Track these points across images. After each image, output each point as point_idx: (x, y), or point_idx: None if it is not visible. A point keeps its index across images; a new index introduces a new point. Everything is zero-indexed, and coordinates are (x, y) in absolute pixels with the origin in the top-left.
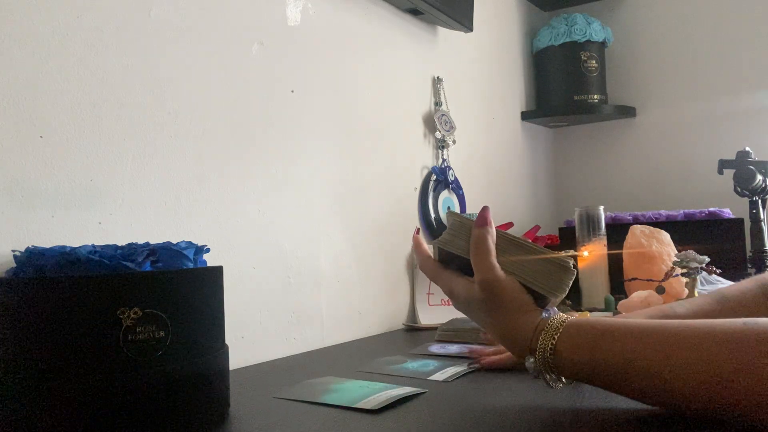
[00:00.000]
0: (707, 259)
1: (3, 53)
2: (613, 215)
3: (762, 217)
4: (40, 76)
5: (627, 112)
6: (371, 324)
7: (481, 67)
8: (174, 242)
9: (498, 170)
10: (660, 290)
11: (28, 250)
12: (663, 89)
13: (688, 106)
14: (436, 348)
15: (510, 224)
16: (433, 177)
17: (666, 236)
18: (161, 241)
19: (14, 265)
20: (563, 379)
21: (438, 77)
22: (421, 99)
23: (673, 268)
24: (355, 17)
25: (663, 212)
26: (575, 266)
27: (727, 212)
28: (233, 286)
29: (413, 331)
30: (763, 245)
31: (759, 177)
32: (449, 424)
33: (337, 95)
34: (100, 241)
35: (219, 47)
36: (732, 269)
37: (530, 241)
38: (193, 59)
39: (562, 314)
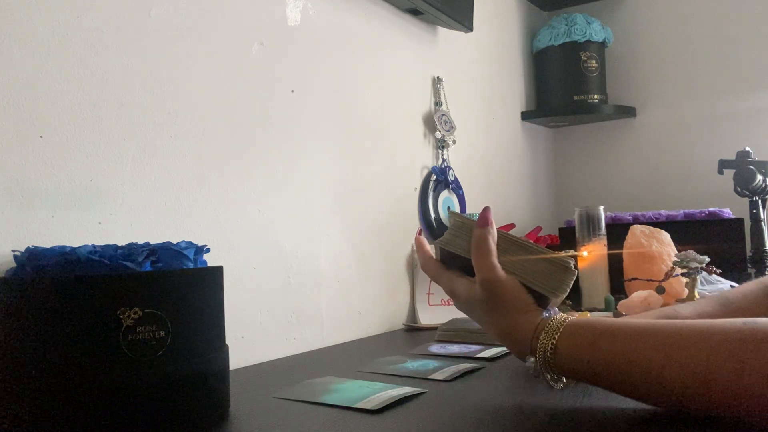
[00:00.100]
0: (707, 259)
1: (3, 53)
2: (613, 215)
3: (762, 217)
4: (40, 76)
5: (627, 112)
6: (371, 324)
7: (481, 67)
8: (174, 242)
9: (498, 170)
10: (660, 290)
11: (28, 250)
12: (663, 89)
13: (688, 106)
14: (436, 348)
15: (512, 225)
16: (433, 177)
17: (666, 236)
18: (161, 241)
19: (14, 265)
20: (564, 379)
21: (438, 77)
22: (421, 99)
23: (673, 268)
24: (355, 17)
25: (663, 212)
26: (576, 266)
27: (727, 212)
28: (233, 286)
29: (413, 331)
30: (763, 245)
31: (759, 177)
32: (449, 424)
33: (337, 95)
34: (100, 241)
35: (219, 47)
36: (732, 269)
37: (531, 241)
38: (193, 59)
39: (562, 314)
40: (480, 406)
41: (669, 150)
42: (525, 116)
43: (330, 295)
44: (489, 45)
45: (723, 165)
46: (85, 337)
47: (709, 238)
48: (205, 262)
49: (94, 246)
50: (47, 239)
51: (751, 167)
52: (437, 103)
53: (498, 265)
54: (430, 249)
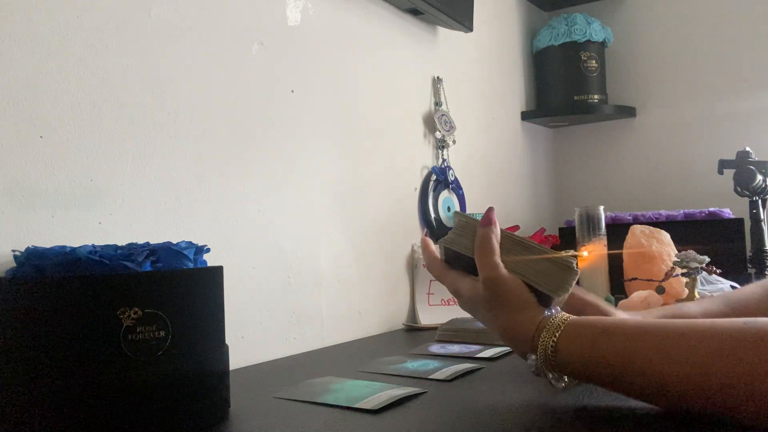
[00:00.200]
0: (707, 259)
1: (3, 53)
2: (613, 215)
3: (762, 217)
4: (40, 76)
5: (627, 112)
6: (371, 324)
7: (481, 67)
8: (174, 242)
9: (498, 170)
10: (660, 290)
11: (28, 250)
12: (663, 89)
13: (688, 106)
14: (436, 348)
15: (516, 227)
16: (433, 177)
17: (666, 236)
18: (161, 241)
19: (14, 265)
20: (565, 378)
21: (438, 77)
22: (421, 99)
23: (673, 268)
24: (355, 17)
25: (663, 212)
26: (577, 266)
27: (727, 212)
28: (233, 286)
29: (413, 331)
30: (763, 245)
31: (759, 177)
32: (449, 424)
33: (337, 95)
34: (100, 241)
35: (219, 47)
36: (732, 269)
37: (534, 241)
38: (193, 59)
39: (564, 313)
40: (480, 406)
41: (669, 150)
42: (525, 116)
43: (330, 295)
44: (489, 45)
45: (723, 165)
46: (85, 337)
47: (709, 238)
48: (205, 262)
49: (94, 246)
50: (47, 239)
51: (751, 167)
52: (437, 103)
53: (501, 264)
54: (436, 250)
